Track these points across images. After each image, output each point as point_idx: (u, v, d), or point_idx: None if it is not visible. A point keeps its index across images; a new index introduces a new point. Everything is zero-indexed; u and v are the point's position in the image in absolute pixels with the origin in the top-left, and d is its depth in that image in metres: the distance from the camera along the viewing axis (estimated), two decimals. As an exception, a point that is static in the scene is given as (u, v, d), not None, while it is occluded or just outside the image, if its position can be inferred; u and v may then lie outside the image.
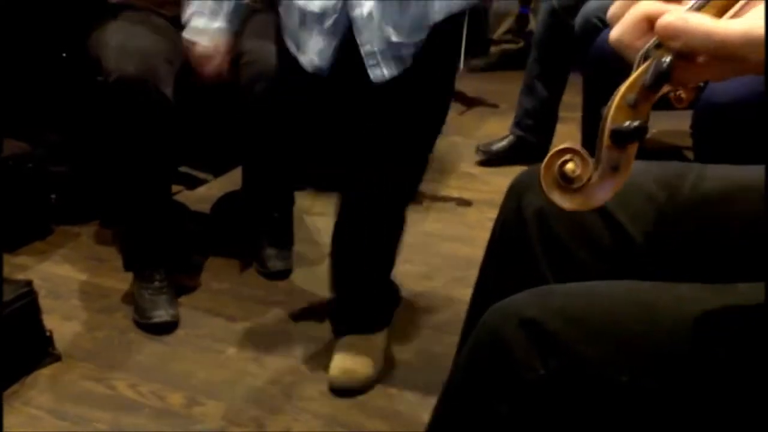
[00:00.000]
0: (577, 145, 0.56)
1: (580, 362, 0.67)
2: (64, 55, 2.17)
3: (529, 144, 2.79)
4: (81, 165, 2.29)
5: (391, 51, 1.42)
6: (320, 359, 1.70)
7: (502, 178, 2.65)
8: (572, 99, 2.76)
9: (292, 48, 1.49)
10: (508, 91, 3.27)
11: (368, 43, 1.41)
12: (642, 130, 0.54)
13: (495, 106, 3.52)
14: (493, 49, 4.15)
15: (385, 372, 1.66)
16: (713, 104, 1.66)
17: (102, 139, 1.82)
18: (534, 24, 3.91)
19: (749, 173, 0.85)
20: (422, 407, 1.53)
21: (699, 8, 0.55)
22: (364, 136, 1.51)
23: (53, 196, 2.24)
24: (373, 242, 1.62)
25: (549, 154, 0.56)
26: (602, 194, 0.56)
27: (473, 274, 0.99)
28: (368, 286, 1.67)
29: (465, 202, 2.51)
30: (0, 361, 1.58)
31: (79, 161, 2.29)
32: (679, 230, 0.84)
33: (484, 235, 0.99)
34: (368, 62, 1.42)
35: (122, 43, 1.74)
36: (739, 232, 0.81)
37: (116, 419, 1.55)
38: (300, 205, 2.21)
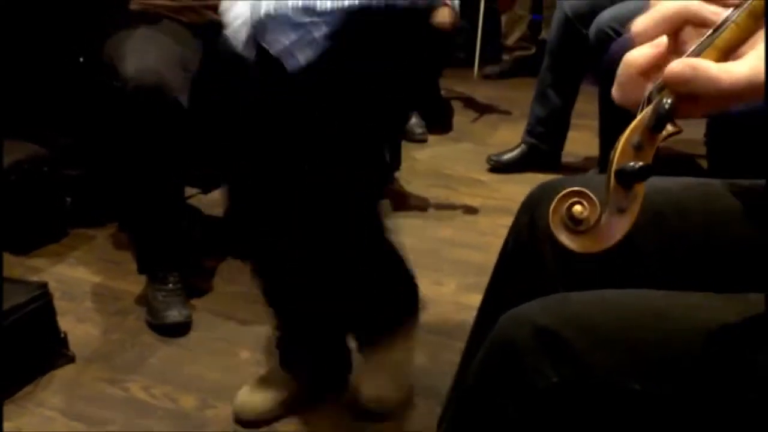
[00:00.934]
0: (584, 188, 0.57)
1: (592, 370, 0.67)
2: (81, 59, 2.19)
3: (540, 152, 2.80)
4: (96, 168, 2.31)
5: (298, 34, 1.32)
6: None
7: (513, 185, 2.66)
8: (584, 107, 2.77)
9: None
10: (520, 98, 3.28)
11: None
12: (647, 170, 0.55)
13: (507, 113, 3.53)
14: (506, 56, 4.15)
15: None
16: (727, 113, 1.66)
17: (116, 144, 1.84)
18: (545, 31, 3.91)
19: (759, 188, 0.85)
20: (432, 412, 1.54)
21: (703, 50, 0.56)
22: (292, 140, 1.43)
23: (68, 199, 2.27)
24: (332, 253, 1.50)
25: (557, 197, 0.57)
26: (611, 236, 0.57)
27: (484, 280, 0.99)
28: (361, 299, 1.59)
29: (476, 209, 2.52)
30: (14, 361, 1.60)
31: (94, 165, 2.31)
32: (688, 244, 0.84)
33: (495, 242, 0.99)
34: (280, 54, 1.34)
35: (140, 51, 1.76)
36: (748, 245, 0.82)
37: (129, 421, 1.56)
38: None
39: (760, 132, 1.58)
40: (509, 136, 2.97)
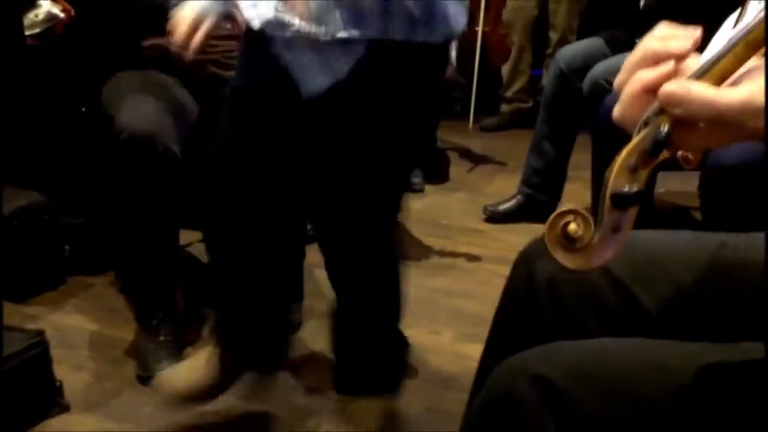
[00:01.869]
0: (579, 207, 0.59)
1: (592, 423, 0.67)
2: (83, 109, 2.22)
3: (537, 202, 2.82)
4: (96, 217, 2.32)
5: (319, 58, 1.32)
6: (329, 417, 1.70)
7: (510, 235, 2.67)
8: (580, 158, 2.80)
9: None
10: (516, 149, 3.32)
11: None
12: (642, 195, 0.57)
13: (503, 163, 3.56)
14: (504, 107, 4.22)
15: (392, 427, 1.66)
16: (721, 166, 1.69)
17: (111, 191, 1.86)
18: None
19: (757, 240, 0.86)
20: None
21: (699, 76, 0.58)
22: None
23: (67, 247, 2.27)
24: (356, 295, 1.58)
25: (553, 215, 0.59)
26: (603, 254, 0.59)
27: (481, 330, 1.00)
28: (367, 345, 1.62)
29: (473, 258, 2.53)
30: (9, 409, 1.59)
31: (94, 213, 2.32)
32: (697, 302, 0.85)
33: (492, 292, 1.00)
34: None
35: (134, 100, 1.80)
36: (743, 296, 0.83)
37: (124, 471, 1.55)
38: (310, 258, 2.23)
39: (754, 184, 1.61)
40: (505, 187, 3.00)
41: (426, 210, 2.95)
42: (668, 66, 0.60)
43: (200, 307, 2.13)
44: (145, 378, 1.83)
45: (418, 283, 2.30)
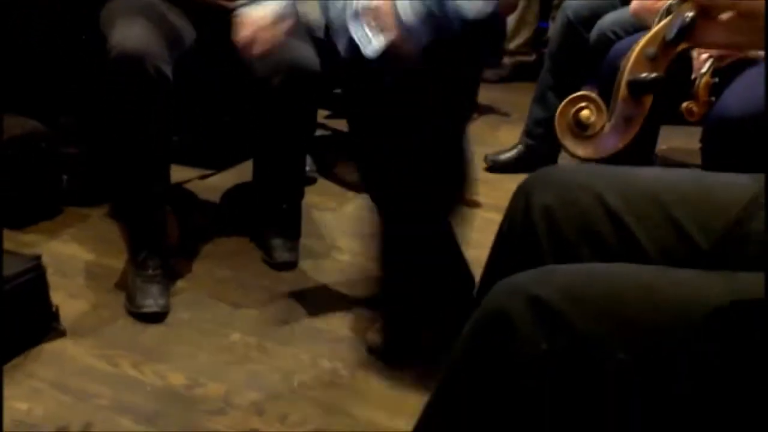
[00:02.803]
0: (593, 93, 0.58)
1: (582, 340, 0.69)
2: (83, 37, 2.19)
3: (538, 153, 2.80)
4: (93, 148, 2.31)
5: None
6: (321, 350, 1.72)
7: (510, 184, 2.60)
8: (583, 110, 2.79)
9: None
10: (519, 101, 3.29)
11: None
12: (659, 81, 0.56)
13: (506, 114, 3.54)
14: (507, 60, 4.17)
15: (385, 357, 1.68)
16: (723, 118, 1.67)
17: (102, 114, 1.85)
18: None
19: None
20: (423, 393, 1.54)
21: None
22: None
23: (65, 177, 2.27)
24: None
25: (565, 101, 0.58)
26: (612, 144, 0.58)
27: (479, 274, 1.01)
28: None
29: (472, 205, 2.52)
30: (5, 331, 1.60)
31: (91, 144, 2.31)
32: (688, 237, 0.85)
33: (489, 238, 1.01)
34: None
35: (127, 21, 1.78)
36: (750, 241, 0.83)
37: (117, 396, 1.56)
38: (309, 200, 2.23)
39: (757, 137, 1.59)
40: (507, 137, 2.98)
41: (426, 158, 2.93)
42: None
43: (193, 243, 2.14)
44: (132, 313, 1.82)
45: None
